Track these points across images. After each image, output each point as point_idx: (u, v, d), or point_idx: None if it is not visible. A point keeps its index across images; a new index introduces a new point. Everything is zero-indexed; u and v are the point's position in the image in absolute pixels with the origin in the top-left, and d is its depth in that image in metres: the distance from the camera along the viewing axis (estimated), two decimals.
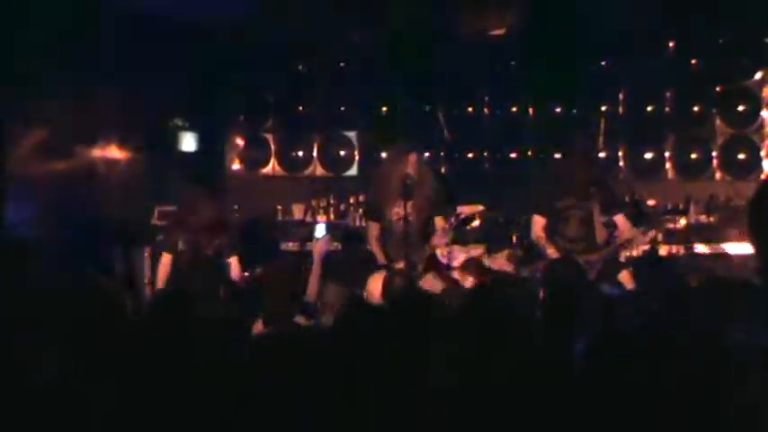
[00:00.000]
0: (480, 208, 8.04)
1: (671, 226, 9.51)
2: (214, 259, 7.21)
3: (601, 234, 7.72)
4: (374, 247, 7.82)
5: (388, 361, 3.79)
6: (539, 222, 7.80)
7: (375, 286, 6.75)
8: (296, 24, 10.20)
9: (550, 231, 7.73)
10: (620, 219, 7.86)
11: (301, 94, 11.60)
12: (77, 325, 3.98)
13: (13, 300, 4.61)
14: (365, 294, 6.70)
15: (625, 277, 7.51)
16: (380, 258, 7.71)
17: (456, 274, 7.46)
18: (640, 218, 9.64)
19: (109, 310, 4.21)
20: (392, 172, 7.77)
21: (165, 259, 7.48)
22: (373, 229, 7.84)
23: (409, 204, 7.53)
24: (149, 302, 6.09)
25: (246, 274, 7.80)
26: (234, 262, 7.52)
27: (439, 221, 7.77)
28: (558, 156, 10.85)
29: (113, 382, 3.69)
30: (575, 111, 11.04)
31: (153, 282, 7.32)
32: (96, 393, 3.61)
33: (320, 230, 6.96)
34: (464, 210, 7.75)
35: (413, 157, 7.71)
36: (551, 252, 7.58)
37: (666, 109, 10.95)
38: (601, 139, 10.32)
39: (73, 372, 3.73)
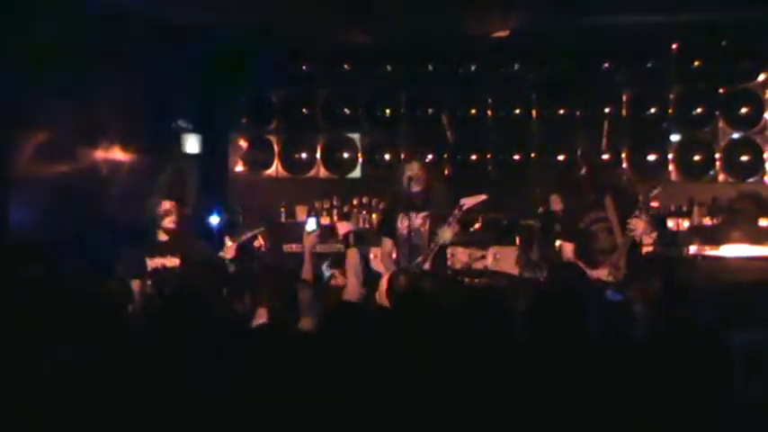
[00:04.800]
0: (483, 197, 7.96)
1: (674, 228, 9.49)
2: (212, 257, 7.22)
3: (620, 237, 7.63)
4: (384, 261, 7.82)
5: (386, 359, 3.80)
6: (567, 247, 7.74)
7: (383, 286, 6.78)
8: (299, 26, 10.19)
9: (582, 252, 7.64)
10: (638, 223, 7.66)
11: (305, 96, 11.62)
12: (82, 325, 3.99)
13: (19, 300, 4.63)
14: (376, 294, 6.74)
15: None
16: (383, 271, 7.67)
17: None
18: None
19: (112, 312, 4.22)
20: (401, 187, 7.75)
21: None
22: (387, 245, 7.86)
23: (420, 216, 7.60)
24: (156, 304, 6.09)
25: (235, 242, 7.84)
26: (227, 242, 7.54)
27: None
28: (561, 158, 10.88)
29: (117, 383, 3.70)
30: (578, 113, 11.03)
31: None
32: (100, 393, 3.62)
33: (311, 225, 7.11)
34: (467, 201, 7.69)
35: (417, 166, 7.74)
36: (591, 273, 7.50)
37: (670, 111, 10.95)
38: (604, 141, 10.29)
39: (75, 372, 3.74)
